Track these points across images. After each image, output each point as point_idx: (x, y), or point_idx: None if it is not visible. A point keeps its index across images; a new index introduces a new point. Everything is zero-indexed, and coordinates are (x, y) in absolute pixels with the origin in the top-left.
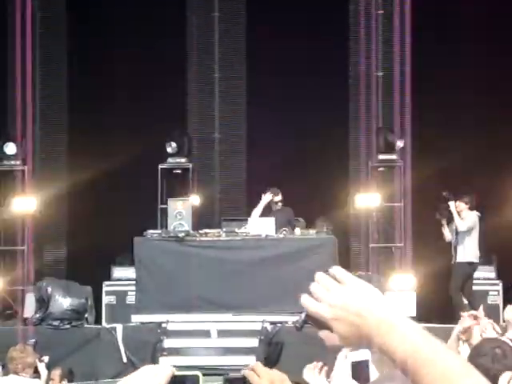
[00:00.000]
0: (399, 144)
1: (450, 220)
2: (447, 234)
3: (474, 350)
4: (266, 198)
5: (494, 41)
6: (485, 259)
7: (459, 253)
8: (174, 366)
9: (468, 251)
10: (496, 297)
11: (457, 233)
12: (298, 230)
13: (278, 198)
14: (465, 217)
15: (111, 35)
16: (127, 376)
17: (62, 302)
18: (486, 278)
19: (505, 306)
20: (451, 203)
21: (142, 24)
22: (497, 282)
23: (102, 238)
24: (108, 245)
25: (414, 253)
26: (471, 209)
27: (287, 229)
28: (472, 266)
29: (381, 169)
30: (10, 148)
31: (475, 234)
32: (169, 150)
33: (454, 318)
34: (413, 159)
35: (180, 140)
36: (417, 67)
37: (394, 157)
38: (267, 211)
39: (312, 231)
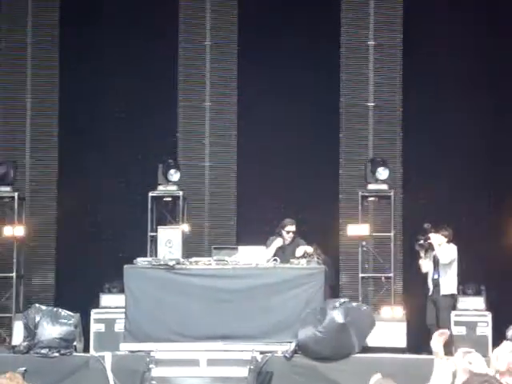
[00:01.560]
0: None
1: (427, 251)
2: (425, 265)
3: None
4: (277, 243)
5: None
6: (473, 290)
7: (443, 286)
8: None
9: (451, 283)
10: (485, 328)
11: (435, 266)
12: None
13: (291, 228)
14: (445, 249)
15: (100, 62)
16: None
17: (51, 329)
18: (474, 309)
19: (494, 337)
20: (432, 235)
21: (132, 60)
22: (485, 313)
23: (90, 265)
24: (97, 272)
25: (404, 283)
26: (449, 242)
27: (278, 258)
28: (455, 298)
29: (371, 198)
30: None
31: (455, 266)
32: (171, 177)
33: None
34: (404, 189)
35: (170, 168)
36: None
37: (384, 187)
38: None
39: (303, 261)
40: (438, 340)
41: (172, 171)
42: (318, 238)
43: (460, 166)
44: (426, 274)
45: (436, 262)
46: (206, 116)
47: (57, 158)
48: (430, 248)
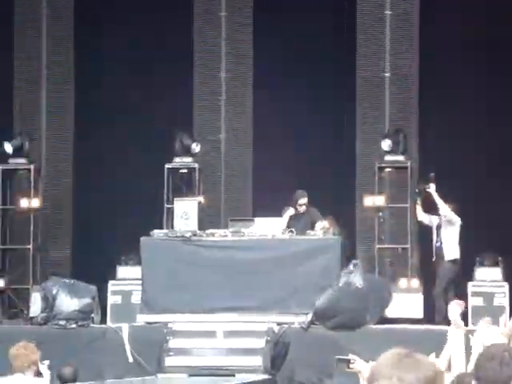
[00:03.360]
0: (194, 147)
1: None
2: (421, 214)
3: (481, 354)
4: (289, 212)
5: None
6: (491, 261)
7: (446, 252)
8: (180, 367)
9: (453, 249)
10: (502, 299)
11: (437, 234)
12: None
13: (303, 201)
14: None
15: (113, 39)
16: None
17: (68, 302)
18: (492, 279)
19: (511, 307)
20: (432, 185)
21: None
22: (503, 283)
23: (107, 237)
24: (114, 244)
25: (421, 254)
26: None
27: (293, 229)
28: (457, 263)
29: (388, 169)
30: (15, 146)
31: (456, 232)
32: (193, 150)
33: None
34: (420, 160)
35: (186, 139)
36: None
37: (400, 158)
38: (293, 215)
39: (319, 232)
40: (455, 309)
41: (194, 144)
42: (334, 209)
43: (478, 137)
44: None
45: (438, 231)
46: (222, 88)
47: (73, 130)
48: (427, 196)
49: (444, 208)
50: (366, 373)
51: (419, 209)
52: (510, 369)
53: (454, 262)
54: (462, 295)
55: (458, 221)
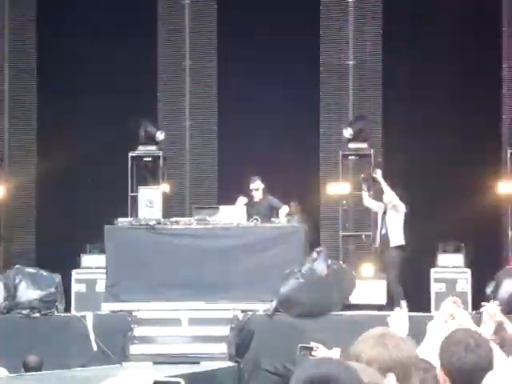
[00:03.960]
0: (159, 136)
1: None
2: (367, 199)
3: (446, 339)
4: (240, 201)
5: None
6: (453, 247)
7: (391, 238)
8: (144, 355)
9: (398, 235)
10: (465, 285)
11: (382, 222)
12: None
13: (254, 185)
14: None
15: (80, 28)
16: (108, 380)
17: (31, 291)
18: (454, 266)
19: (473, 293)
20: (379, 171)
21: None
22: (465, 270)
23: (71, 225)
24: (78, 233)
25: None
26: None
27: (258, 218)
28: (403, 248)
29: (352, 157)
30: None
31: (401, 219)
32: (158, 138)
33: (423, 306)
34: (384, 148)
35: (151, 128)
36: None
37: (364, 145)
38: (250, 202)
39: (283, 219)
40: (449, 306)
41: (158, 132)
42: (298, 196)
43: (440, 126)
44: (414, 232)
45: (383, 219)
46: (186, 75)
47: (36, 119)
48: (373, 182)
49: (390, 194)
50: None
51: (365, 195)
52: (475, 355)
53: (399, 248)
54: (425, 282)
55: (403, 207)
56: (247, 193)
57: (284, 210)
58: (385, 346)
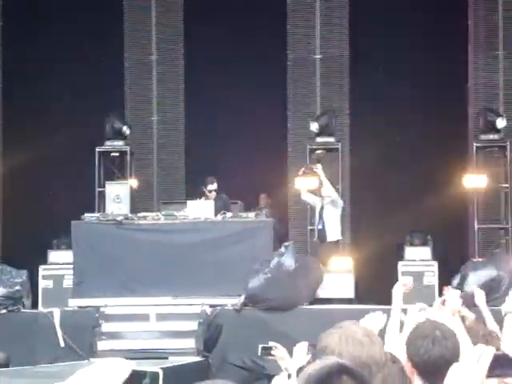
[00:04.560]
0: (125, 130)
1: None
2: (306, 195)
3: (413, 332)
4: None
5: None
6: (420, 240)
7: (328, 233)
8: (112, 351)
9: (335, 230)
10: (432, 278)
11: (320, 216)
12: (229, 214)
13: (213, 187)
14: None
15: (46, 23)
16: (86, 368)
17: None
18: (421, 259)
19: (440, 286)
20: (319, 165)
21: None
22: (432, 262)
23: (38, 221)
24: (44, 228)
25: (352, 234)
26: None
27: (226, 211)
28: (339, 243)
29: (319, 151)
30: None
31: (338, 214)
32: (124, 133)
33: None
34: (352, 142)
35: (117, 123)
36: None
37: (331, 139)
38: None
39: (251, 214)
40: (399, 290)
41: (124, 127)
42: (266, 191)
43: (407, 119)
44: (382, 225)
45: (320, 213)
46: (153, 70)
47: (0, 114)
48: (313, 175)
49: (329, 189)
50: (287, 359)
51: (303, 189)
52: (443, 347)
53: (336, 242)
54: (393, 275)
55: (341, 203)
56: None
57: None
58: (357, 343)
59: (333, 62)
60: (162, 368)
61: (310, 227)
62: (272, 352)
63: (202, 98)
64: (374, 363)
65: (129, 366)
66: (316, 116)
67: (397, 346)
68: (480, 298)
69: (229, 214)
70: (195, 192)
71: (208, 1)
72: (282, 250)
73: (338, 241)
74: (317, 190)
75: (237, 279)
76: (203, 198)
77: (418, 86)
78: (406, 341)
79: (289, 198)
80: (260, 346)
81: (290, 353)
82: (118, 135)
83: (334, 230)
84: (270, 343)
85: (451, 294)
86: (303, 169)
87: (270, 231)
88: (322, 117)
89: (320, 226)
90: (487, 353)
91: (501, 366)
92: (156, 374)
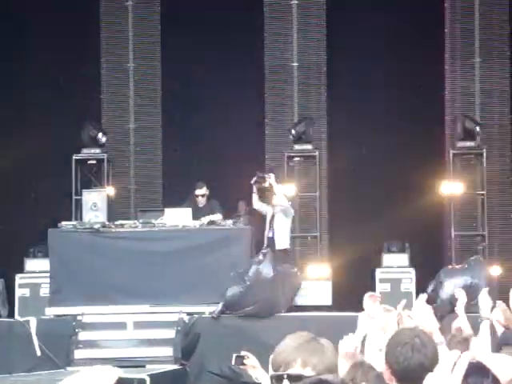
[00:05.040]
0: (100, 138)
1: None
2: (257, 203)
3: (392, 339)
4: (218, 216)
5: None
6: (398, 247)
7: (277, 241)
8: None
9: (284, 239)
10: (409, 284)
11: (270, 225)
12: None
13: (200, 191)
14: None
15: (22, 28)
16: (73, 375)
17: None
18: (399, 265)
19: (417, 293)
20: (272, 175)
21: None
22: (410, 269)
23: (14, 229)
24: (21, 236)
25: (329, 242)
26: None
27: (204, 220)
28: (288, 252)
29: (296, 158)
30: None
31: (288, 224)
32: (100, 141)
33: None
34: (329, 149)
35: (94, 130)
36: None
37: (309, 147)
38: (193, 208)
39: (229, 221)
40: (368, 302)
41: (100, 134)
42: (244, 198)
43: (384, 127)
44: (360, 233)
45: (271, 222)
46: (130, 77)
47: None
48: (266, 187)
49: (281, 198)
50: (258, 369)
51: (255, 197)
52: (422, 355)
53: (284, 251)
54: (371, 281)
55: (291, 212)
56: (191, 198)
57: (216, 216)
58: (304, 350)
59: (310, 70)
60: (139, 378)
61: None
62: (244, 361)
63: (179, 105)
64: (327, 370)
65: (115, 373)
66: (293, 123)
67: (373, 353)
68: (461, 300)
69: (205, 220)
70: (188, 197)
71: (185, 9)
72: (260, 257)
73: (286, 249)
74: (269, 198)
75: (215, 287)
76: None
77: (394, 94)
78: (385, 348)
79: None
80: (234, 355)
81: (266, 361)
82: (95, 143)
83: (282, 238)
84: (242, 352)
85: (419, 298)
86: (255, 178)
87: (248, 238)
88: (299, 124)
89: (270, 234)
90: (462, 361)
91: (475, 374)
92: (143, 381)
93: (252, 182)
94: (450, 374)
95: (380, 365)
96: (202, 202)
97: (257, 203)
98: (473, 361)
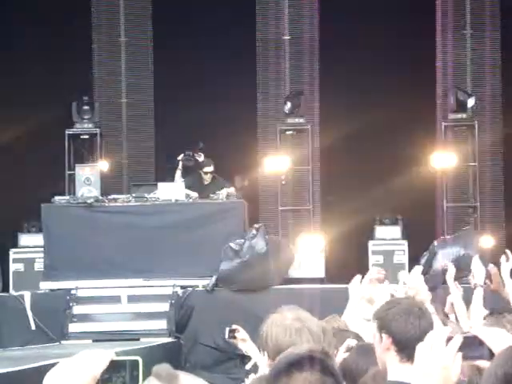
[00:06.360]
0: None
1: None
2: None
3: (390, 309)
4: (177, 175)
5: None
6: (390, 220)
7: None
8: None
9: None
10: (402, 256)
11: None
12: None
13: (209, 169)
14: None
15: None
16: (66, 359)
17: None
18: (391, 238)
19: (410, 265)
20: (202, 154)
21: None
22: (402, 241)
23: (7, 204)
24: (14, 212)
25: (322, 215)
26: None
27: (197, 193)
28: None
29: (289, 132)
30: None
31: None
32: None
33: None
34: (321, 123)
35: (88, 105)
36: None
37: (301, 120)
38: (199, 185)
39: (222, 195)
40: (367, 287)
41: (93, 106)
42: (237, 172)
43: (376, 100)
44: (352, 206)
45: None
46: (122, 52)
47: None
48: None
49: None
50: (248, 341)
51: (178, 173)
52: (426, 322)
53: None
54: (363, 254)
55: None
56: (195, 175)
57: (230, 190)
58: (281, 330)
59: (302, 44)
60: (133, 350)
61: (280, 208)
62: (236, 334)
63: (171, 79)
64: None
65: (108, 356)
66: (285, 97)
67: (359, 323)
68: (450, 273)
69: (223, 194)
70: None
71: None
72: (254, 232)
73: None
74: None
75: (208, 260)
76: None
77: (386, 67)
78: (384, 318)
79: (259, 181)
80: (227, 328)
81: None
82: (88, 117)
83: None
84: (234, 326)
85: (414, 270)
86: (182, 155)
87: (240, 212)
88: (291, 98)
89: None
90: (457, 337)
91: (469, 348)
92: (136, 362)
93: (179, 158)
94: (443, 348)
95: (368, 335)
96: (208, 179)
97: (179, 179)
98: (468, 334)
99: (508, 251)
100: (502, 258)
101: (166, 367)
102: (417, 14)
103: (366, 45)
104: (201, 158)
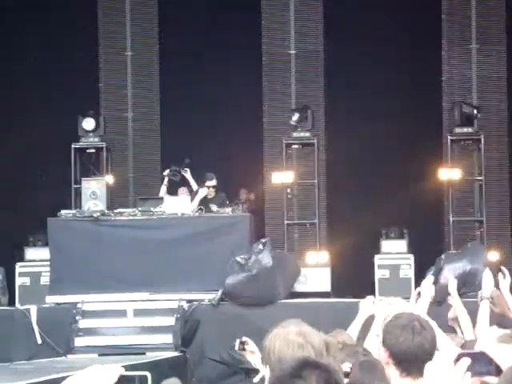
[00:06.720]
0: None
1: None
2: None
3: (390, 322)
4: (202, 192)
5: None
6: (396, 233)
7: None
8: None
9: None
10: (408, 270)
11: None
12: (214, 207)
13: (212, 183)
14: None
15: (23, 12)
16: (75, 374)
17: None
18: (397, 252)
19: (416, 279)
20: (187, 170)
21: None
22: (408, 255)
23: (14, 218)
24: (21, 225)
25: (328, 229)
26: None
27: (203, 207)
28: None
29: (295, 146)
30: None
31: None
32: (86, 126)
33: (367, 292)
34: (327, 136)
35: (94, 119)
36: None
37: (307, 134)
38: (203, 199)
39: (228, 209)
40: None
41: (86, 120)
42: (243, 185)
43: (382, 113)
44: (358, 220)
45: None
46: (128, 66)
47: None
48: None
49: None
50: (256, 353)
51: (164, 188)
52: (422, 337)
53: None
54: (369, 268)
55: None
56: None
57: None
58: (284, 344)
59: (308, 58)
60: (139, 364)
61: (286, 222)
62: (245, 346)
63: (177, 93)
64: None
65: (117, 371)
66: (293, 111)
67: (369, 339)
68: (452, 286)
69: (214, 208)
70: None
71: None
72: (260, 246)
73: None
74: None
75: (213, 274)
76: (204, 190)
77: (392, 81)
78: (383, 331)
79: (265, 194)
80: (237, 340)
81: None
82: (95, 131)
83: None
84: (243, 338)
85: (426, 280)
86: (168, 170)
87: (246, 226)
88: (297, 112)
89: None
90: (464, 359)
91: (477, 364)
92: (145, 378)
93: (165, 173)
94: (451, 367)
95: (376, 350)
96: (211, 193)
97: (164, 195)
98: (476, 350)
99: (503, 268)
100: (500, 276)
101: (175, 381)
102: (423, 28)
103: (371, 59)
104: (187, 173)
